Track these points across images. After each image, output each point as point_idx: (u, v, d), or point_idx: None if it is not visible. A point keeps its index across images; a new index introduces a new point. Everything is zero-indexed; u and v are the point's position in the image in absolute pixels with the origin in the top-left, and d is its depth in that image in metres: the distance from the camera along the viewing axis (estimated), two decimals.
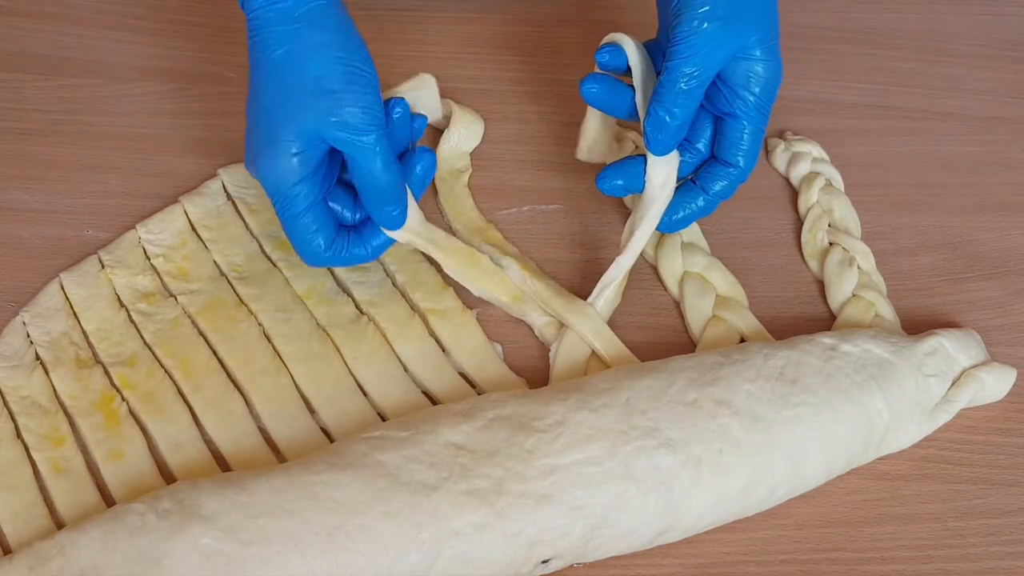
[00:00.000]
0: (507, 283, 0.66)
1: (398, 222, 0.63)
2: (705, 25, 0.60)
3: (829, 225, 0.72)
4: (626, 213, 0.73)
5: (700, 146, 0.66)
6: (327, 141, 0.60)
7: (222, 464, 0.59)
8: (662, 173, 0.64)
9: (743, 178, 0.66)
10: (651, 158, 0.64)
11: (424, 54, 0.80)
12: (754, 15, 0.61)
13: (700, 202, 0.66)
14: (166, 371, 0.62)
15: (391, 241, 0.64)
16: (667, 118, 0.62)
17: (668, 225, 0.67)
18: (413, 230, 0.64)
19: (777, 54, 0.63)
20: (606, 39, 0.65)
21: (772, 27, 0.63)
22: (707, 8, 0.60)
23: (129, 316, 0.64)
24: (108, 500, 0.57)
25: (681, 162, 0.65)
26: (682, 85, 0.61)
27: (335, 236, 0.62)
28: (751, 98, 0.63)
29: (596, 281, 0.68)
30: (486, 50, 0.82)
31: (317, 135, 0.59)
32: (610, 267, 0.65)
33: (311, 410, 0.61)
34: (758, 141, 0.65)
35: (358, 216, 0.64)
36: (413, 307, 0.66)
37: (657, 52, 0.65)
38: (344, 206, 0.63)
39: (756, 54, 0.62)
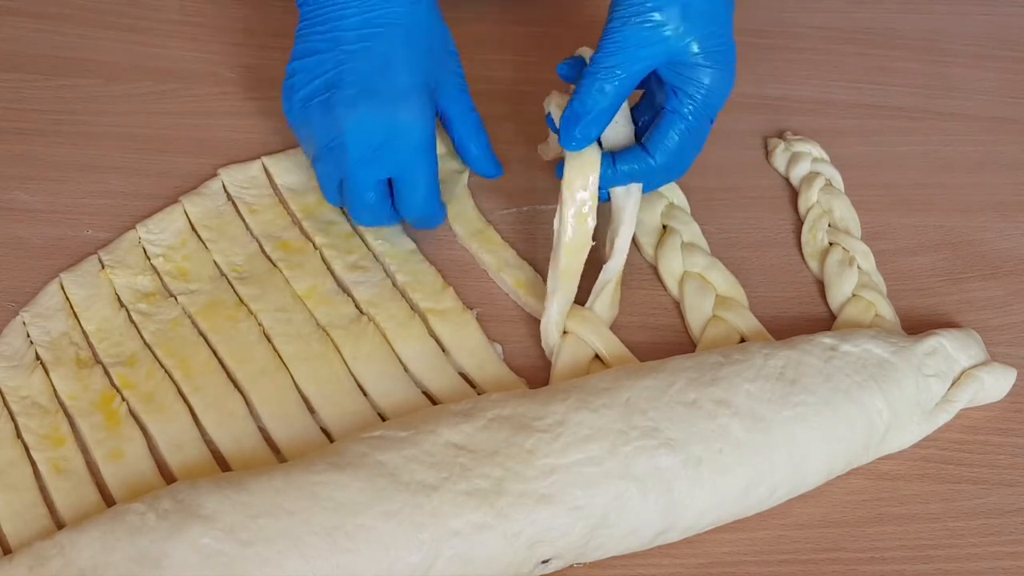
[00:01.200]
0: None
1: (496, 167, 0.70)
2: (633, 24, 0.61)
3: (829, 225, 0.72)
4: None
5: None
6: (444, 95, 0.66)
7: (222, 464, 0.59)
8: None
9: (659, 172, 0.65)
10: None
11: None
12: (698, 23, 0.62)
13: (608, 171, 0.65)
14: (166, 371, 0.62)
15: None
16: (579, 109, 0.62)
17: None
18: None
19: (724, 63, 0.64)
20: (576, 52, 0.67)
21: (720, 37, 0.63)
22: (637, 8, 0.61)
23: (129, 316, 0.64)
24: (108, 500, 0.57)
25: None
26: (600, 78, 0.62)
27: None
28: (687, 100, 0.63)
29: (596, 280, 0.68)
30: (486, 50, 0.82)
31: (444, 87, 0.66)
32: (600, 273, 0.65)
33: (311, 410, 0.61)
34: (687, 142, 0.64)
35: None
36: (413, 307, 0.66)
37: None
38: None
39: (697, 60, 0.62)
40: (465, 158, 0.70)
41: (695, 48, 0.62)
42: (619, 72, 0.62)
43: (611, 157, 0.65)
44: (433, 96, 0.65)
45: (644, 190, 0.66)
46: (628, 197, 0.65)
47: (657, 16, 0.61)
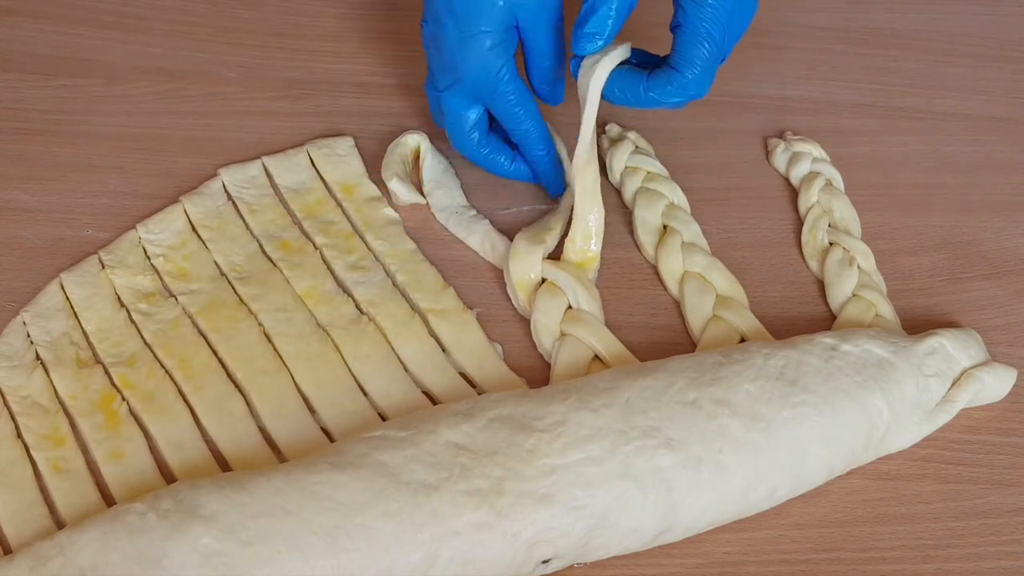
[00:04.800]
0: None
1: (560, 92, 0.71)
2: None
3: (829, 225, 0.72)
4: (625, 213, 0.73)
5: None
6: (518, 14, 0.65)
7: (222, 464, 0.59)
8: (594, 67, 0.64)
9: (687, 87, 0.63)
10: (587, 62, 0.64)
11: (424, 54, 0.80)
12: None
13: (640, 89, 0.64)
14: (166, 371, 0.62)
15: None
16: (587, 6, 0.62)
17: (608, 88, 0.65)
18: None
19: None
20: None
21: None
22: None
23: (129, 316, 0.64)
24: (108, 500, 0.57)
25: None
26: None
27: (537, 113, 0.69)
28: (698, 11, 0.61)
29: (596, 281, 0.68)
30: None
31: (522, 14, 0.66)
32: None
33: (311, 410, 0.61)
34: (706, 54, 0.62)
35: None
36: (413, 307, 0.66)
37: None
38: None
39: None
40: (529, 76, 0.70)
41: None
42: None
43: (643, 78, 0.63)
44: (508, 30, 0.66)
45: (658, 91, 0.64)
46: (589, 75, 0.64)
47: None
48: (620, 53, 0.64)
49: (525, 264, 0.67)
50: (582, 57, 0.64)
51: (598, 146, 0.77)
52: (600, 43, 0.63)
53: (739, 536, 0.58)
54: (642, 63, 0.65)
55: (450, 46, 0.66)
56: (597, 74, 0.63)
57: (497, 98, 0.68)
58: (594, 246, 0.68)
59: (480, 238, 0.70)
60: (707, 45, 0.62)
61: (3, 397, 0.60)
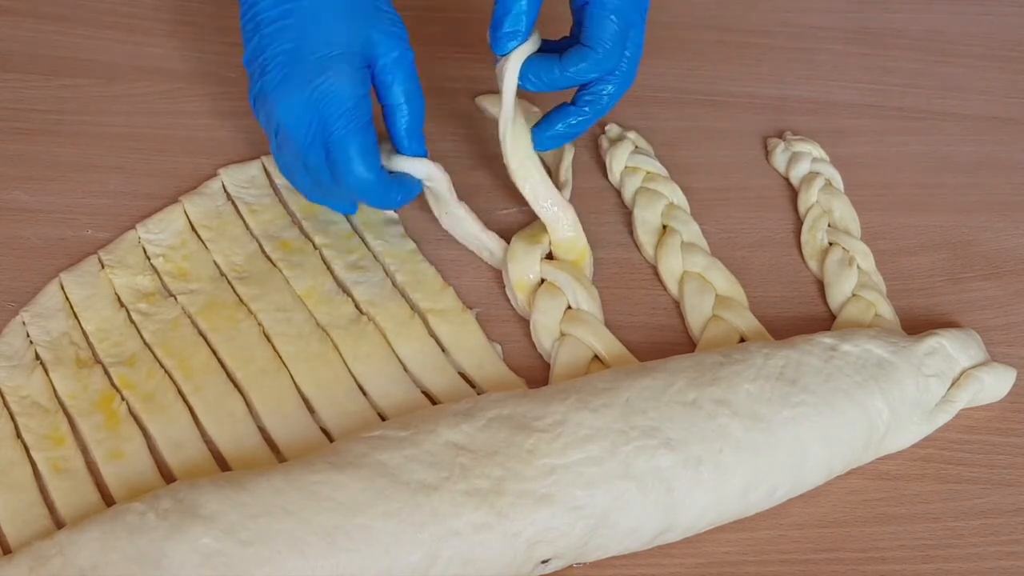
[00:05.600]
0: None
1: (420, 146, 0.65)
2: None
3: (829, 225, 0.72)
4: (625, 213, 0.73)
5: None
6: (379, 57, 0.62)
7: (222, 464, 0.59)
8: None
9: (603, 64, 0.63)
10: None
11: (425, 54, 0.80)
12: None
13: (556, 74, 0.64)
14: (166, 371, 0.62)
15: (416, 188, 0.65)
16: (500, 9, 0.62)
17: (542, 142, 0.66)
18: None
19: None
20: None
21: None
22: None
23: (129, 316, 0.64)
24: (108, 500, 0.57)
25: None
26: None
27: (379, 168, 0.63)
28: None
29: (596, 281, 0.68)
30: (485, 50, 0.81)
31: (376, 49, 0.62)
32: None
33: (311, 410, 0.61)
34: (622, 31, 0.62)
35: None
36: (413, 307, 0.66)
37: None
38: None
39: None
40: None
41: None
42: None
43: (557, 61, 0.63)
44: (367, 59, 0.62)
45: (600, 109, 0.65)
46: (504, 69, 0.64)
47: None
48: (530, 44, 0.64)
49: (523, 265, 0.67)
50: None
51: (598, 145, 0.77)
52: (518, 41, 0.63)
53: (739, 536, 0.58)
54: (553, 49, 0.65)
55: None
56: (510, 66, 0.64)
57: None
58: (566, 231, 0.68)
59: (476, 241, 0.69)
60: (615, 19, 0.62)
61: (3, 397, 0.60)
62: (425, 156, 0.65)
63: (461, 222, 0.68)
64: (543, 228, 0.69)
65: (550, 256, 0.68)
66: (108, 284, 0.65)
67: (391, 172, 0.64)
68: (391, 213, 0.71)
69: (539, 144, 0.66)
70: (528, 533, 0.54)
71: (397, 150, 0.65)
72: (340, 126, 0.61)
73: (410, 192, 0.65)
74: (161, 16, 0.82)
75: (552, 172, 0.72)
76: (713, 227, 0.72)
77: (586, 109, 0.65)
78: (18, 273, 0.66)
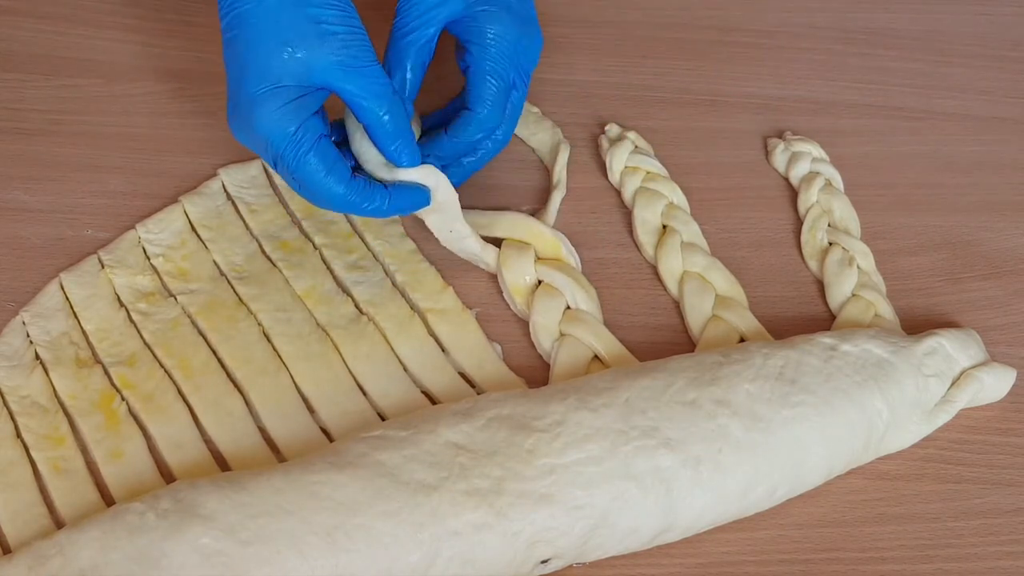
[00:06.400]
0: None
1: (410, 157, 0.62)
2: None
3: (829, 225, 0.72)
4: (625, 213, 0.73)
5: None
6: (329, 84, 0.59)
7: (222, 464, 0.59)
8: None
9: (484, 125, 0.66)
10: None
11: None
12: None
13: (445, 143, 0.66)
14: (166, 371, 0.62)
15: (422, 200, 0.63)
16: (393, 129, 0.61)
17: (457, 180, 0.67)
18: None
19: (526, 22, 0.66)
20: None
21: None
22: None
23: (129, 316, 0.64)
24: (108, 500, 0.57)
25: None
26: (399, 36, 0.64)
27: (350, 178, 0.61)
28: (481, 51, 0.65)
29: (596, 281, 0.68)
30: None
31: (321, 77, 0.59)
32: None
33: (311, 410, 0.61)
34: (501, 92, 0.65)
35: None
36: (413, 307, 0.66)
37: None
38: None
39: (476, 13, 0.64)
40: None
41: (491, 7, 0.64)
42: (416, 29, 0.64)
43: (444, 134, 0.66)
44: (304, 89, 0.59)
45: (477, 163, 0.68)
46: (434, 183, 0.63)
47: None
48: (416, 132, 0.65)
49: (517, 268, 0.67)
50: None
51: (598, 145, 0.77)
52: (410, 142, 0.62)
53: (738, 536, 0.58)
54: (439, 122, 0.68)
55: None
56: (441, 185, 0.63)
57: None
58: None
59: (474, 257, 0.68)
60: (494, 81, 0.65)
61: (3, 397, 0.60)
62: (420, 164, 0.62)
63: (463, 240, 0.67)
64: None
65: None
66: (108, 284, 0.65)
67: (399, 182, 0.63)
68: None
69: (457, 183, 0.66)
70: (528, 533, 0.54)
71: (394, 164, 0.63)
72: (289, 154, 0.59)
73: (416, 201, 0.63)
74: (161, 16, 0.82)
75: (548, 172, 0.72)
76: (713, 227, 0.72)
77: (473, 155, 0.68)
78: (18, 273, 0.66)
